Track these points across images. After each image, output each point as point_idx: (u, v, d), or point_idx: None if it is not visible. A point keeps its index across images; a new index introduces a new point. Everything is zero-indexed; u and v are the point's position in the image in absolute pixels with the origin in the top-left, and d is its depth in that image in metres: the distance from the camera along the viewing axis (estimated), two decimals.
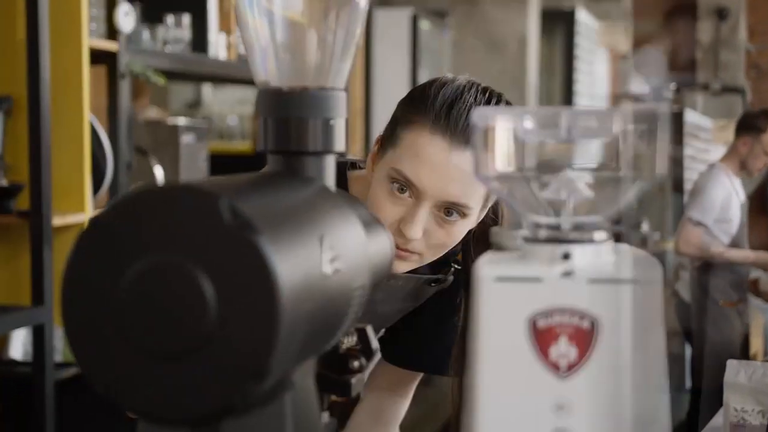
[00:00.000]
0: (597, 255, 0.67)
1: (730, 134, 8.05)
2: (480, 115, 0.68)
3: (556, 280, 0.65)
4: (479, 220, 1.31)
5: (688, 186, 6.68)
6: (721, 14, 8.58)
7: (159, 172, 2.90)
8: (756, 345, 4.67)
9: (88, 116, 2.52)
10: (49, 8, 2.38)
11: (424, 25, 5.14)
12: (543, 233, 0.68)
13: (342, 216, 0.72)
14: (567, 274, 0.65)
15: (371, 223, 0.82)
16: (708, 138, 7.14)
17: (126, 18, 2.65)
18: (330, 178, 0.77)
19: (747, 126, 4.41)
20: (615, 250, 0.70)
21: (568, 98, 7.19)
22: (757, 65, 9.33)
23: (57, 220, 2.41)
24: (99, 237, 0.60)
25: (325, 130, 0.75)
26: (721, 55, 8.51)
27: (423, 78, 4.61)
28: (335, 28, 0.78)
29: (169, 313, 0.58)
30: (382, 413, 1.48)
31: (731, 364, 1.97)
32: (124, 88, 2.72)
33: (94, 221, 0.60)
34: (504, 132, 0.68)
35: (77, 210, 2.52)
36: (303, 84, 0.76)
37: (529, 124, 0.68)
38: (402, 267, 1.27)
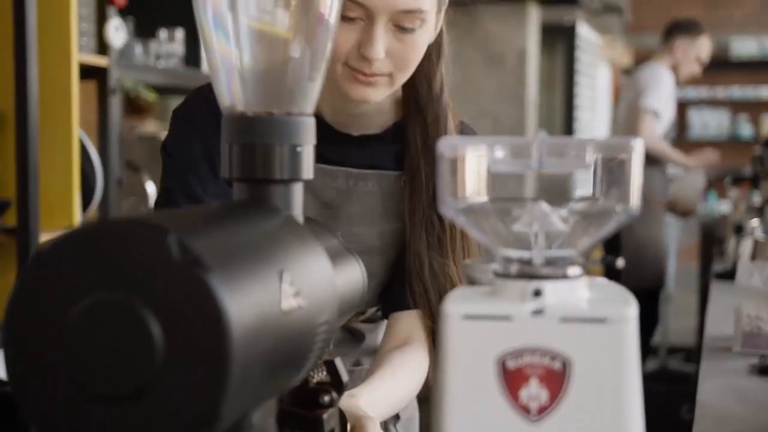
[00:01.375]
0: (570, 291, 0.64)
1: (615, 52, 8.08)
2: (448, 144, 0.65)
3: (526, 319, 0.62)
4: (436, 28, 1.29)
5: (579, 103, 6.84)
6: None
7: (150, 188, 2.87)
8: None
9: (77, 132, 2.49)
10: (37, 23, 2.35)
11: None
12: (514, 268, 0.65)
13: (307, 248, 0.69)
14: (538, 312, 0.62)
15: (340, 253, 0.79)
16: (596, 53, 7.26)
17: (117, 33, 2.63)
18: (297, 207, 0.74)
19: (684, 29, 4.46)
20: (590, 284, 0.67)
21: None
22: None
23: (45, 237, 2.38)
24: (44, 272, 0.57)
25: (292, 157, 0.72)
26: None
27: None
28: (303, 49, 0.75)
29: (114, 353, 0.55)
30: (409, 361, 1.32)
31: (743, 266, 1.81)
32: (115, 103, 2.69)
33: (39, 256, 0.57)
34: (473, 162, 0.65)
35: (66, 227, 2.49)
36: (269, 109, 0.73)
37: (499, 153, 0.65)
38: (375, 94, 1.24)
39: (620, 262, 0.64)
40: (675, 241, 5.61)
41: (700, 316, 4.36)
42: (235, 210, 0.69)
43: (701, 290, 4.61)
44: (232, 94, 0.73)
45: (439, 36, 1.32)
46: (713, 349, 1.84)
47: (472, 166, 0.65)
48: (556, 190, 0.67)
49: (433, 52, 1.31)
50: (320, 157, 1.26)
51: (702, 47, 4.51)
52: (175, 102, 4.12)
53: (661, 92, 4.36)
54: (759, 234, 2.77)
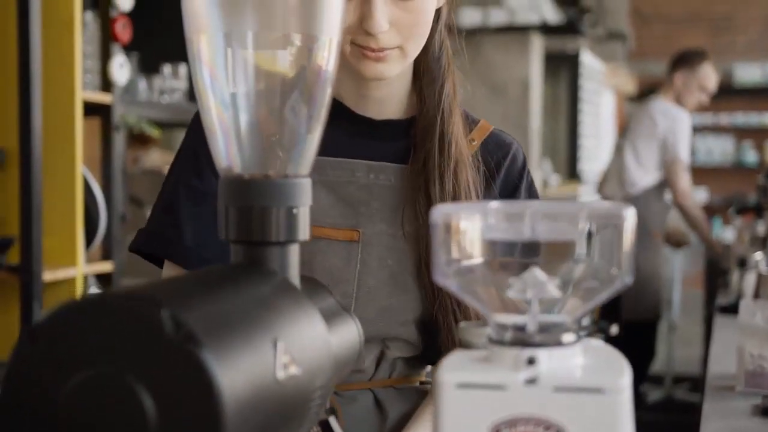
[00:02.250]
0: (564, 359, 0.64)
1: (619, 79, 8.15)
2: (440, 212, 0.66)
3: (520, 388, 0.62)
4: None
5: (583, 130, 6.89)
6: None
7: None
8: None
9: (80, 169, 2.50)
10: (42, 60, 2.37)
11: None
12: (508, 335, 0.65)
13: (302, 312, 0.70)
14: (531, 381, 0.62)
15: (336, 313, 0.79)
16: (600, 80, 7.32)
17: (121, 70, 2.65)
18: (293, 268, 0.74)
19: (681, 61, 4.50)
20: (585, 348, 0.67)
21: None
22: (640, 12, 9.37)
23: (48, 275, 2.39)
24: (38, 347, 0.57)
25: (288, 220, 0.73)
26: (605, 1, 8.51)
27: None
28: (300, 108, 0.75)
29: (108, 429, 0.55)
30: None
31: (745, 305, 1.80)
32: (118, 140, 2.70)
33: (33, 330, 0.58)
34: (466, 228, 0.66)
35: (69, 264, 2.49)
36: (266, 171, 0.74)
37: (492, 221, 0.65)
38: (388, 69, 1.18)
39: (614, 329, 0.64)
40: (680, 270, 5.61)
41: (706, 345, 4.36)
42: (230, 275, 0.69)
43: (706, 320, 4.60)
44: (230, 156, 0.74)
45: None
46: (716, 388, 1.83)
47: (465, 233, 0.66)
48: (551, 254, 0.67)
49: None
50: (339, 149, 1.23)
51: (704, 76, 4.50)
52: (180, 135, 4.14)
53: (687, 138, 4.39)
54: (763, 267, 2.76)
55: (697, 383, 5.12)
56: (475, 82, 5.58)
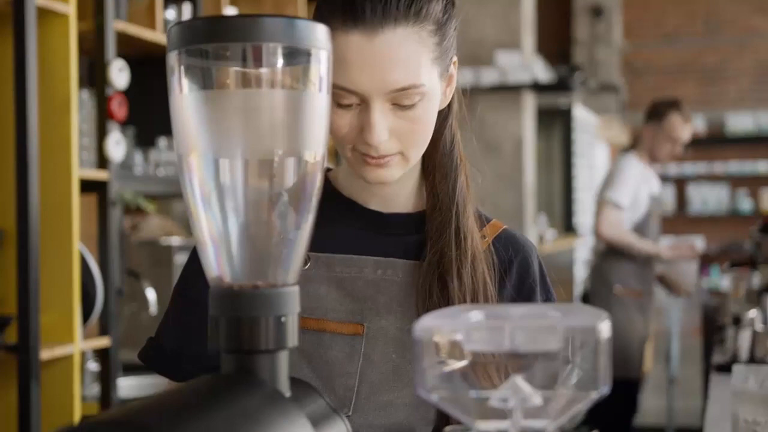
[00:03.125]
0: None
1: (612, 131, 8.24)
2: (423, 327, 0.68)
3: None
4: (447, 94, 1.24)
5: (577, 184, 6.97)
6: (597, 12, 8.73)
7: (152, 296, 2.89)
8: (648, 356, 4.60)
9: (77, 247, 2.52)
10: (39, 140, 2.40)
11: None
12: None
13: (290, 424, 0.71)
14: None
15: (325, 415, 0.81)
16: (593, 133, 7.39)
17: (117, 147, 2.68)
18: (283, 375, 0.76)
19: (651, 114, 4.51)
20: None
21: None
22: (632, 64, 9.47)
23: (45, 353, 2.40)
24: None
25: (276, 328, 0.75)
26: (597, 54, 8.59)
27: None
28: (286, 218, 0.77)
29: None
30: None
31: (738, 369, 1.80)
32: (115, 215, 2.73)
33: None
34: (447, 341, 0.68)
35: (66, 341, 2.50)
36: (255, 281, 0.76)
37: (473, 333, 0.67)
38: (390, 174, 1.19)
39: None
40: (678, 321, 5.61)
41: (705, 399, 4.35)
42: (220, 388, 0.71)
43: (704, 374, 4.59)
44: (219, 266, 0.76)
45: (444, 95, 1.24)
46: None
47: (446, 346, 0.68)
48: (531, 363, 0.69)
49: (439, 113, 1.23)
50: (348, 245, 1.25)
51: (670, 128, 4.40)
52: (176, 205, 4.13)
53: (625, 183, 4.35)
54: (758, 325, 2.77)
55: None
56: (469, 140, 5.62)
